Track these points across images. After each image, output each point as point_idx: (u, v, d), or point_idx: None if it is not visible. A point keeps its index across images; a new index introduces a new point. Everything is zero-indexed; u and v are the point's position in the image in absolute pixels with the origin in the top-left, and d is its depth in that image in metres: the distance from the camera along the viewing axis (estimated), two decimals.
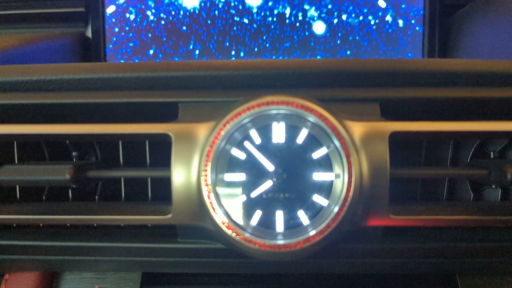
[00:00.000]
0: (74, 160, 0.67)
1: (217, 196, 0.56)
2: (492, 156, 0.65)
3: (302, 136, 0.57)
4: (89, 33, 1.14)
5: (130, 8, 1.12)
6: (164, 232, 0.64)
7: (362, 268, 0.66)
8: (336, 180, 0.56)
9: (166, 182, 0.59)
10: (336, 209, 0.54)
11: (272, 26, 1.10)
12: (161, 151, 0.65)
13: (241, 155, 0.58)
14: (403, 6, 1.07)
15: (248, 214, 0.57)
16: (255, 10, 1.09)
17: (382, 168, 0.56)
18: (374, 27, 1.08)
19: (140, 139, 0.64)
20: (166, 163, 0.59)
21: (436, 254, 0.62)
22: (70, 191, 0.67)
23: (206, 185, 0.55)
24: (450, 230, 0.64)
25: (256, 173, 0.57)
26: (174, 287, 0.73)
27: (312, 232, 0.54)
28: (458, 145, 0.66)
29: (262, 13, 1.09)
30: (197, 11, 1.10)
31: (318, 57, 1.08)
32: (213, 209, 0.55)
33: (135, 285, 0.74)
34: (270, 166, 0.57)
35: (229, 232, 0.55)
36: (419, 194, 0.66)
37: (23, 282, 0.73)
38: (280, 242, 0.54)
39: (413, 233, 0.63)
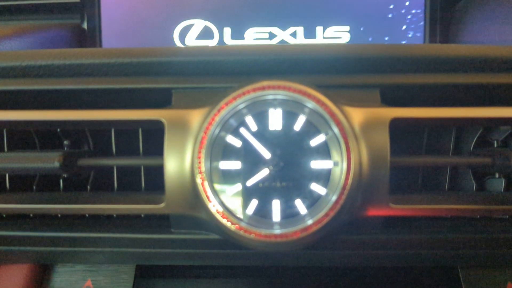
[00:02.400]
0: (66, 149, 0.65)
1: (211, 184, 0.54)
2: (495, 145, 0.63)
3: (299, 123, 0.55)
4: (84, 25, 1.12)
5: None
6: (158, 223, 0.62)
7: (361, 260, 0.64)
8: (334, 168, 0.55)
9: (159, 172, 0.57)
10: (334, 198, 0.53)
11: None
12: (155, 141, 0.63)
13: (237, 143, 0.56)
14: None
15: (243, 203, 0.55)
16: None
17: (382, 156, 0.54)
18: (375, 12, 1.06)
19: (132, 127, 0.62)
20: (160, 153, 0.57)
21: (437, 245, 0.60)
22: (61, 181, 0.65)
23: (200, 173, 0.53)
24: (451, 221, 0.62)
25: (252, 161, 0.56)
26: (168, 281, 0.72)
27: (310, 222, 0.52)
28: (461, 134, 0.64)
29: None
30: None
31: None
32: (207, 197, 0.53)
33: (129, 278, 0.72)
34: (266, 154, 0.55)
35: (223, 221, 0.53)
36: (420, 185, 0.64)
37: (14, 276, 0.72)
38: (277, 231, 0.52)
39: (414, 224, 0.61)
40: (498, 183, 0.62)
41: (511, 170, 0.55)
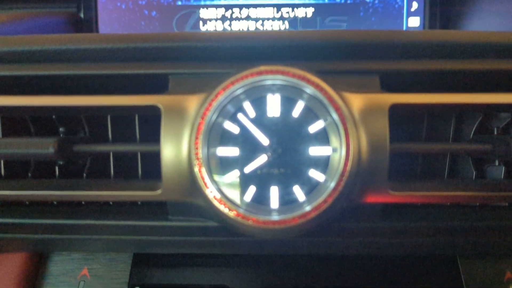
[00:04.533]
0: (61, 136, 0.64)
1: (209, 171, 0.53)
2: (495, 133, 0.62)
3: (298, 109, 0.55)
4: (81, 14, 1.11)
5: None
6: (155, 210, 0.61)
7: (360, 248, 0.64)
8: (333, 154, 0.54)
9: (156, 160, 0.56)
10: (333, 184, 0.52)
11: None
12: (151, 129, 0.62)
13: (234, 129, 0.55)
14: None
15: (241, 190, 0.55)
16: None
17: (382, 142, 0.53)
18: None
19: (129, 113, 0.61)
20: (157, 140, 0.56)
21: (435, 233, 0.60)
22: (57, 168, 0.65)
23: (197, 159, 0.53)
24: (450, 209, 0.61)
25: (250, 148, 0.55)
26: (165, 270, 0.71)
27: (308, 208, 0.52)
28: (460, 121, 0.63)
29: None
30: None
31: None
32: (205, 184, 0.52)
33: (126, 267, 0.71)
34: (265, 140, 0.55)
35: (221, 208, 0.52)
36: (419, 173, 0.63)
37: (9, 265, 0.71)
38: (275, 218, 0.52)
39: (412, 212, 0.60)
40: (498, 171, 0.62)
41: (511, 156, 0.55)
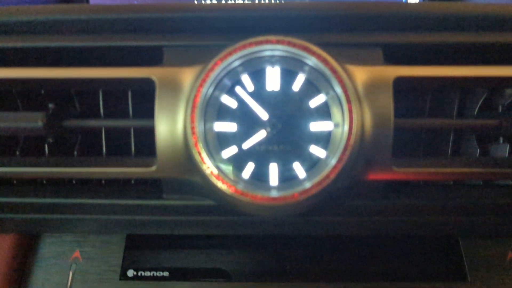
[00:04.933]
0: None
1: (206, 146, 0.51)
2: (500, 110, 0.61)
3: (298, 82, 0.52)
4: None
5: None
6: (149, 189, 0.59)
7: (361, 228, 0.62)
8: (335, 129, 0.52)
9: (150, 138, 0.54)
10: (334, 160, 0.50)
11: None
12: (146, 107, 0.60)
13: (232, 103, 0.53)
14: None
15: (239, 166, 0.53)
16: None
17: (386, 117, 0.51)
18: None
19: (121, 87, 0.58)
20: (151, 116, 0.54)
21: (438, 212, 0.58)
22: (46, 146, 0.62)
23: (194, 134, 0.50)
24: (453, 188, 0.60)
25: (248, 123, 0.53)
26: (160, 252, 0.69)
27: (309, 185, 0.50)
28: (465, 98, 0.62)
29: None
30: None
31: None
32: (202, 159, 0.50)
33: (119, 249, 0.69)
34: (264, 115, 0.52)
35: (218, 184, 0.50)
36: (422, 151, 0.61)
37: None
38: (274, 194, 0.50)
39: (415, 190, 0.59)
40: (502, 149, 0.60)
41: None
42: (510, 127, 0.54)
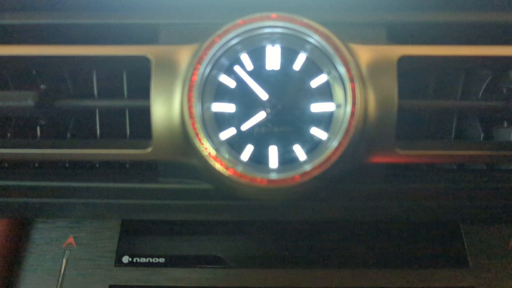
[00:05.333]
0: None
1: (203, 127, 0.49)
2: (505, 92, 0.59)
3: (300, 61, 0.51)
4: None
5: None
6: (145, 172, 0.57)
7: (363, 213, 0.61)
8: (337, 110, 0.50)
9: (146, 120, 0.52)
10: (336, 142, 0.48)
11: None
12: (141, 89, 0.58)
13: (231, 83, 0.51)
14: None
15: (238, 148, 0.51)
16: None
17: (390, 97, 0.50)
18: None
19: (116, 67, 0.56)
20: (147, 97, 0.52)
21: (440, 196, 0.57)
22: (38, 128, 0.60)
23: (190, 114, 0.48)
24: (456, 173, 0.59)
25: (247, 103, 0.51)
26: (155, 238, 0.67)
27: (309, 167, 0.48)
28: (469, 81, 0.60)
29: None
30: None
31: None
32: (199, 140, 0.48)
33: (113, 235, 0.68)
34: (263, 95, 0.51)
35: (216, 166, 0.48)
36: (425, 135, 0.60)
37: None
38: (274, 176, 0.48)
39: (417, 175, 0.57)
40: (506, 133, 0.59)
41: None
42: None
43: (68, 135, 0.58)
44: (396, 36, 0.54)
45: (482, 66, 0.57)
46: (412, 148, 0.51)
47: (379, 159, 0.51)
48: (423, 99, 0.57)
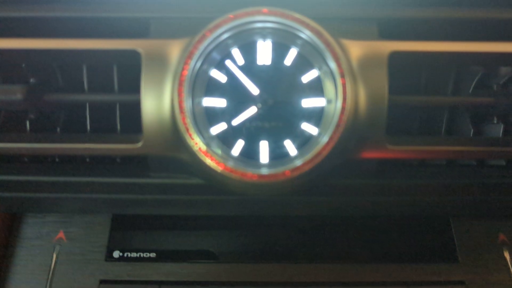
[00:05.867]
0: None
1: (194, 121, 0.49)
2: (495, 89, 0.60)
3: (291, 56, 0.51)
4: None
5: None
6: (135, 167, 0.57)
7: (353, 208, 0.61)
8: (327, 106, 0.50)
9: (136, 115, 0.51)
10: (326, 137, 0.48)
11: None
12: (131, 84, 0.57)
13: (221, 77, 0.51)
14: None
15: (229, 144, 0.51)
16: None
17: (380, 93, 0.50)
18: None
19: (106, 61, 0.56)
20: (137, 91, 0.51)
21: (430, 192, 0.58)
22: (27, 123, 0.59)
23: (181, 108, 0.48)
24: (446, 168, 0.59)
25: (238, 98, 0.51)
26: (146, 233, 0.67)
27: (300, 162, 0.48)
28: (460, 78, 0.60)
29: None
30: None
31: None
32: (190, 135, 0.48)
33: (104, 230, 0.67)
34: (254, 90, 0.51)
35: (207, 161, 0.48)
36: (416, 130, 0.60)
37: None
38: (265, 172, 0.48)
39: (407, 170, 0.58)
40: (496, 129, 0.59)
41: None
42: (507, 103, 0.53)
43: (58, 129, 0.58)
44: (388, 31, 0.54)
45: (473, 62, 0.57)
46: (402, 143, 0.52)
47: (370, 154, 0.52)
48: (413, 94, 0.57)
